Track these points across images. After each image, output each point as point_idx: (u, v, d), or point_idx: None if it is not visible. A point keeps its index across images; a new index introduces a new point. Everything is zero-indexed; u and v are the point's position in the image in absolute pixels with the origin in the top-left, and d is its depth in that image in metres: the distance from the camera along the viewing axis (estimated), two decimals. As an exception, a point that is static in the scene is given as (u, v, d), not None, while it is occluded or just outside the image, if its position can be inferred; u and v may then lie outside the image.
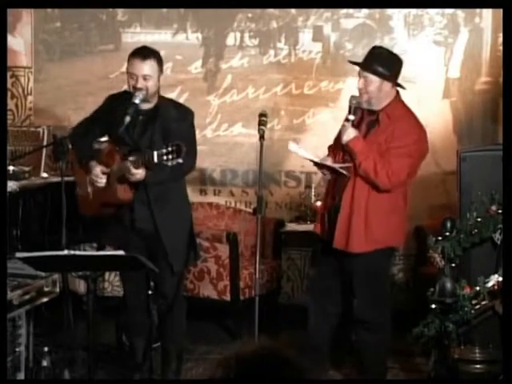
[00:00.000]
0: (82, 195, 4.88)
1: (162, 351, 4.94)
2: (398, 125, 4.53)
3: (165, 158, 4.30)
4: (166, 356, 4.91)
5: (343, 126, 4.59)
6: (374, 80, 4.53)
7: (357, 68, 4.65)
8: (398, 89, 4.67)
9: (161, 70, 4.73)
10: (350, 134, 4.55)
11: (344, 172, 4.56)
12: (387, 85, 4.56)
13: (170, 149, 4.29)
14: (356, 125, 4.62)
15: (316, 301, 4.84)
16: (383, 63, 4.55)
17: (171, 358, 4.89)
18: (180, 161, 4.28)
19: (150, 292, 4.79)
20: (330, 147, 4.85)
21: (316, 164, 4.73)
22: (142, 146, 4.63)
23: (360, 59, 4.72)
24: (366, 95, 4.56)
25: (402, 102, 4.67)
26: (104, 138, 4.86)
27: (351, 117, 4.57)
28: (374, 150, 4.52)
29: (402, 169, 4.50)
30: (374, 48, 4.73)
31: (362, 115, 4.64)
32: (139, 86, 4.61)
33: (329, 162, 4.67)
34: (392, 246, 4.73)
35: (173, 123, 4.67)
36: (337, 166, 4.61)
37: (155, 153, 4.34)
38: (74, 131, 4.93)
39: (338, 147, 4.71)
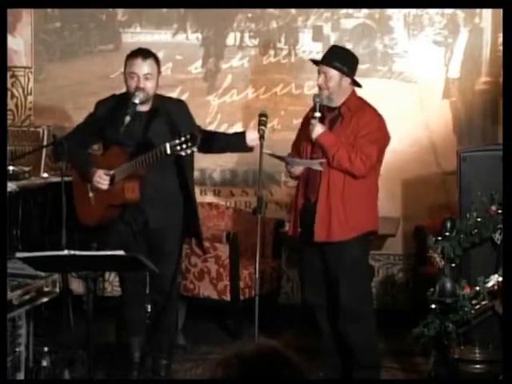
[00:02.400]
0: (82, 204, 4.86)
1: (155, 344, 4.94)
2: (360, 115, 4.75)
3: (178, 148, 4.29)
4: (158, 350, 4.91)
5: (311, 123, 4.76)
6: (334, 76, 4.74)
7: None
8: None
9: (159, 72, 4.74)
10: (319, 130, 4.74)
11: (319, 168, 4.71)
12: (346, 80, 4.77)
13: (183, 138, 4.28)
14: (318, 119, 4.78)
15: (318, 306, 4.93)
16: (342, 60, 4.77)
17: (163, 351, 4.91)
18: (195, 149, 4.29)
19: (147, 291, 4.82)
20: (293, 146, 5.04)
21: (287, 162, 4.87)
22: (146, 144, 4.63)
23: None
24: (326, 91, 4.77)
25: (359, 97, 4.86)
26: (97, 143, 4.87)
27: (317, 114, 4.75)
28: (344, 141, 4.71)
29: (372, 153, 4.72)
30: (333, 47, 5.00)
31: (323, 113, 4.80)
32: (141, 85, 4.61)
33: (302, 160, 4.84)
34: (371, 230, 4.86)
35: (174, 116, 4.68)
36: (315, 161, 4.74)
37: (167, 145, 4.33)
38: (68, 142, 4.66)
39: (302, 144, 4.88)
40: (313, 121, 4.75)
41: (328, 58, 4.80)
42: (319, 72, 4.81)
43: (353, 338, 4.82)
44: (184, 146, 4.28)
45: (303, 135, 4.92)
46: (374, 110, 4.82)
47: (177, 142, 4.29)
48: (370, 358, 4.87)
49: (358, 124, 4.72)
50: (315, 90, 4.83)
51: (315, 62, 4.94)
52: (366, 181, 4.77)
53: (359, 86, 4.84)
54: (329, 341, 4.96)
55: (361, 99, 4.84)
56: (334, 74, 4.74)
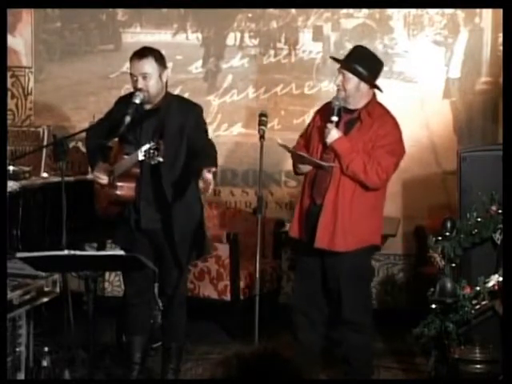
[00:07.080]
0: (95, 196, 4.89)
1: (163, 350, 4.94)
2: (380, 123, 4.58)
3: (147, 155, 4.29)
4: (167, 354, 4.90)
5: (326, 127, 4.60)
6: (353, 79, 4.58)
7: None
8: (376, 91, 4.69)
9: (162, 69, 4.68)
10: (334, 135, 4.57)
11: (326, 167, 4.55)
12: (365, 85, 4.60)
13: (147, 147, 4.28)
14: (335, 123, 4.61)
15: (302, 311, 4.81)
16: (363, 63, 4.58)
17: (172, 356, 4.89)
18: (160, 159, 4.26)
19: (154, 291, 4.79)
20: (298, 145, 4.85)
21: (297, 157, 4.68)
22: (138, 144, 4.62)
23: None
24: (343, 92, 4.60)
25: (379, 102, 4.70)
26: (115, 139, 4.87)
27: (335, 118, 4.59)
28: (360, 150, 4.55)
29: (390, 167, 4.59)
30: (357, 47, 4.77)
31: (339, 114, 4.62)
32: (139, 86, 4.61)
33: (314, 158, 4.66)
34: (374, 244, 4.73)
35: (178, 119, 4.65)
36: (329, 164, 4.60)
37: (139, 150, 4.33)
38: (86, 134, 4.94)
39: (313, 145, 4.71)
40: (329, 125, 4.57)
41: (349, 61, 4.61)
42: (339, 71, 4.64)
43: (351, 347, 4.75)
44: (151, 153, 4.25)
45: (314, 136, 4.74)
46: (395, 120, 4.66)
47: (146, 148, 4.28)
48: (365, 369, 4.81)
49: (377, 132, 4.56)
50: (315, 90, 4.81)
51: (337, 60, 4.75)
52: (376, 193, 4.63)
53: (380, 90, 4.66)
54: (305, 351, 4.71)
55: (382, 105, 4.68)
56: (352, 76, 4.56)
